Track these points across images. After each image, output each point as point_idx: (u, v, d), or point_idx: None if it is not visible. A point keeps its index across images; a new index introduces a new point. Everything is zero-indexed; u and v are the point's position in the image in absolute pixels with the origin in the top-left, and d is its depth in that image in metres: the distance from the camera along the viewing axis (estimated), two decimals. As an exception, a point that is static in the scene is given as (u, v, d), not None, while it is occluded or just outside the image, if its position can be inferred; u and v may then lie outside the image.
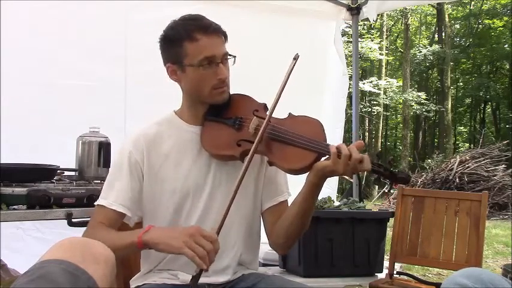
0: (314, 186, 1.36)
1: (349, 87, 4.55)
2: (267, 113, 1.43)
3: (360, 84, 13.92)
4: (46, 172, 2.08)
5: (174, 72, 1.47)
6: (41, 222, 2.79)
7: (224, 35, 1.45)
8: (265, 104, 1.50)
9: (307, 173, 1.37)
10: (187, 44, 1.40)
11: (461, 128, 22.82)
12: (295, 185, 1.50)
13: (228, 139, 1.44)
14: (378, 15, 4.58)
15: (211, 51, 1.40)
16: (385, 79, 17.64)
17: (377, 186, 13.91)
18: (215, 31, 1.42)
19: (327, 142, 1.37)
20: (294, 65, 1.41)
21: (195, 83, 1.44)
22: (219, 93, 1.45)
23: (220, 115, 1.48)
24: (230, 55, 1.47)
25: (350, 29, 4.58)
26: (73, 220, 1.88)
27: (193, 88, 1.46)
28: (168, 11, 3.14)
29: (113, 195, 1.41)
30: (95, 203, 1.45)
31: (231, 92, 1.52)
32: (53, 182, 2.07)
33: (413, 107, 17.50)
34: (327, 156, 1.33)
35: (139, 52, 3.21)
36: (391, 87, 17.26)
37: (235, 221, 1.41)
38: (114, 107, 3.15)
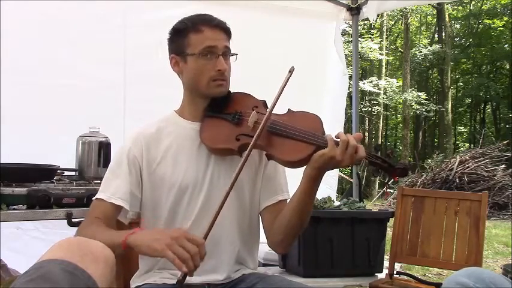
0: (312, 180, 1.36)
1: (349, 87, 4.56)
2: (267, 110, 1.43)
3: (360, 84, 13.93)
4: (46, 172, 2.09)
5: (177, 64, 1.50)
6: (40, 222, 2.79)
7: (228, 32, 1.50)
8: (265, 101, 1.51)
9: (305, 168, 1.37)
10: (192, 35, 1.46)
11: (461, 128, 22.82)
12: (292, 185, 1.49)
13: (226, 133, 1.45)
14: (378, 15, 4.58)
15: (213, 42, 1.45)
16: (385, 79, 17.64)
17: (377, 186, 13.93)
18: (219, 25, 1.47)
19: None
20: (289, 78, 1.42)
21: (194, 73, 1.47)
22: (216, 85, 1.47)
23: (220, 111, 1.49)
24: (232, 53, 1.50)
25: (350, 29, 4.58)
26: (73, 220, 1.89)
27: (192, 79, 1.48)
28: (166, 11, 3.15)
29: (111, 189, 1.43)
30: (93, 198, 1.46)
31: (231, 92, 1.53)
32: (53, 182, 2.08)
33: (413, 107, 17.51)
34: (325, 149, 1.34)
35: (138, 52, 3.21)
36: (391, 87, 17.26)
37: (232, 218, 1.42)
38: (113, 108, 3.15)
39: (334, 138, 1.32)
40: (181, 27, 1.48)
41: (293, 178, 1.52)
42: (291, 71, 1.43)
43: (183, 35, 1.47)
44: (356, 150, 1.31)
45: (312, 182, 1.36)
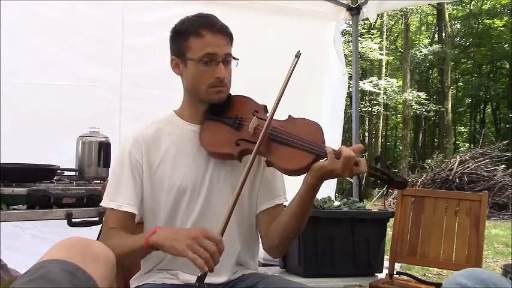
0: (311, 188, 1.36)
1: (349, 87, 4.56)
2: (268, 114, 1.43)
3: (360, 84, 13.92)
4: (46, 172, 2.09)
5: (177, 66, 1.50)
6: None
7: (230, 37, 1.48)
8: (265, 106, 1.50)
9: (305, 175, 1.37)
10: (192, 39, 1.43)
11: (461, 128, 22.83)
12: (291, 189, 1.49)
13: (226, 138, 1.45)
14: (378, 15, 4.58)
15: (213, 49, 1.42)
16: (385, 79, 17.65)
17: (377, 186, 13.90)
18: (221, 30, 1.45)
19: (326, 144, 1.38)
20: (296, 63, 1.42)
21: (193, 79, 1.46)
22: (215, 91, 1.46)
23: (220, 114, 1.49)
24: (234, 57, 1.48)
25: (350, 29, 4.59)
26: (73, 220, 1.89)
27: (191, 84, 1.48)
28: (164, 12, 3.15)
29: (120, 197, 1.43)
30: (102, 205, 1.46)
31: (232, 93, 1.53)
32: (53, 182, 2.08)
33: (413, 107, 17.51)
34: (325, 158, 1.34)
35: (136, 53, 3.22)
36: (391, 87, 17.27)
37: (231, 221, 1.41)
38: (110, 108, 3.16)
39: (335, 150, 1.31)
40: (182, 29, 1.46)
41: (292, 183, 1.52)
42: (297, 56, 1.42)
43: (183, 38, 1.45)
44: (357, 163, 1.31)
45: (312, 190, 1.37)
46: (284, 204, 1.54)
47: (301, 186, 1.38)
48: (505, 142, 10.99)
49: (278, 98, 1.41)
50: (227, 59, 1.46)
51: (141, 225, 1.52)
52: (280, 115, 1.46)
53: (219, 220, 1.33)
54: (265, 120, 1.40)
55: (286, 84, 1.40)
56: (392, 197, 10.30)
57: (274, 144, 1.40)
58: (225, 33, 1.46)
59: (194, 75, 1.45)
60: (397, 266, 2.71)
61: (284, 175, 1.51)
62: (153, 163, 1.46)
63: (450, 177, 9.72)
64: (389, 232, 2.85)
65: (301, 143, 1.37)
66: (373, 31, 18.06)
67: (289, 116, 1.47)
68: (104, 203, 1.45)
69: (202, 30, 1.42)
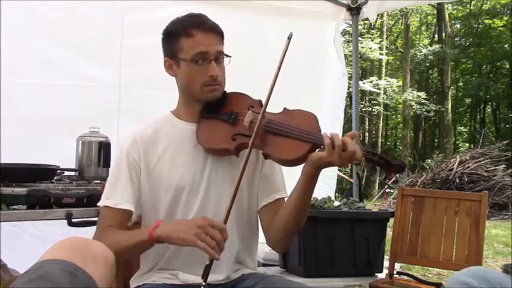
0: (310, 177, 1.37)
1: (349, 87, 4.55)
2: (263, 104, 1.44)
3: (360, 83, 13.93)
4: (46, 172, 2.09)
5: (170, 67, 1.50)
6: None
7: (221, 35, 1.48)
8: (261, 101, 1.51)
9: (303, 165, 1.37)
10: (183, 39, 1.44)
11: (461, 128, 22.83)
12: (290, 184, 1.49)
13: (223, 133, 1.45)
14: (378, 15, 4.58)
15: (204, 48, 1.43)
16: (385, 79, 17.66)
17: (377, 186, 13.93)
18: (211, 29, 1.45)
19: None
20: (288, 45, 1.43)
21: (187, 79, 1.47)
22: (209, 90, 1.46)
23: (216, 112, 1.50)
24: (226, 55, 1.49)
25: (350, 29, 4.58)
26: (73, 220, 1.89)
27: (185, 84, 1.48)
28: (163, 12, 3.14)
29: (117, 195, 1.43)
30: (99, 204, 1.46)
31: (229, 91, 1.53)
32: (53, 182, 2.08)
33: (413, 107, 17.51)
34: (322, 146, 1.34)
35: (135, 53, 3.22)
36: (391, 87, 17.28)
37: (230, 218, 1.41)
38: (109, 108, 3.16)
39: (331, 141, 1.31)
40: (173, 30, 1.47)
41: (290, 178, 1.52)
42: (289, 38, 1.43)
43: (175, 39, 1.45)
44: (353, 151, 1.30)
45: (311, 179, 1.37)
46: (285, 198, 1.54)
47: (299, 178, 1.39)
48: (505, 142, 11.00)
49: (272, 84, 1.41)
50: (219, 57, 1.46)
51: (138, 225, 1.52)
52: (277, 111, 1.46)
53: (218, 217, 1.33)
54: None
55: (280, 68, 1.41)
56: (392, 197, 10.31)
57: (270, 136, 1.40)
58: (216, 32, 1.46)
59: (187, 75, 1.46)
60: (397, 266, 2.71)
61: (283, 169, 1.53)
62: (151, 163, 1.46)
63: (450, 177, 9.72)
64: (389, 232, 2.85)
65: (296, 132, 1.37)
66: (373, 31, 18.06)
67: (284, 108, 1.48)
68: (101, 202, 1.45)
69: (193, 30, 1.43)
